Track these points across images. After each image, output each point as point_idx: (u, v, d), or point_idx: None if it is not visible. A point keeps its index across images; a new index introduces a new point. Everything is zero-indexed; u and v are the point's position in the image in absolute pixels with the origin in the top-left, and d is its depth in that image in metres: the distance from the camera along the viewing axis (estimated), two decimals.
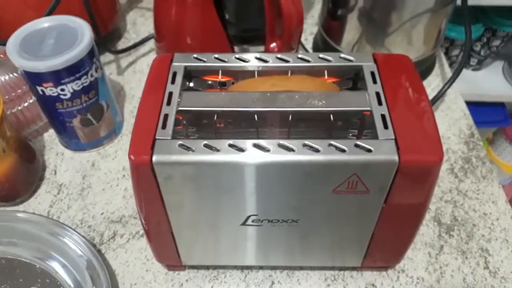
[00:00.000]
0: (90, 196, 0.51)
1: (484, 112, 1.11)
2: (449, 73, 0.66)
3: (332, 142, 0.31)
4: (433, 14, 0.57)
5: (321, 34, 0.66)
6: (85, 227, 0.49)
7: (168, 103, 0.35)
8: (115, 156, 0.55)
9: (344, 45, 0.63)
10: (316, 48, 0.69)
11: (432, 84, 0.63)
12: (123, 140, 0.57)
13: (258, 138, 0.37)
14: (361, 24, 0.60)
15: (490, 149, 1.24)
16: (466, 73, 1.10)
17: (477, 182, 0.51)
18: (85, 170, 0.54)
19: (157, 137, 0.32)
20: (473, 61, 1.08)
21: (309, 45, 0.70)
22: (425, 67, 0.64)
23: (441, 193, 0.50)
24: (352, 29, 0.61)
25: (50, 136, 0.58)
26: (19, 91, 0.54)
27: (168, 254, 0.41)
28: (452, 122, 0.58)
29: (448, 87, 0.55)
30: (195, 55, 0.39)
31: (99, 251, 0.47)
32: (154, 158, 0.31)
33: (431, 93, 0.60)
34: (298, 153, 0.31)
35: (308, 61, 0.38)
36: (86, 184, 0.53)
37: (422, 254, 0.45)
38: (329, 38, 0.64)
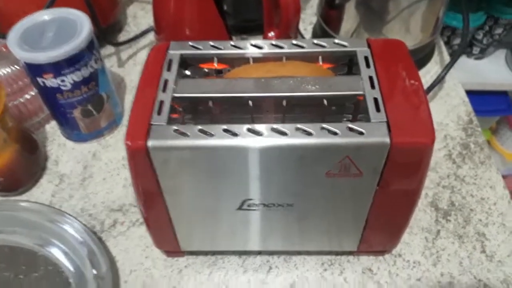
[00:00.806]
0: (91, 186, 0.52)
1: (487, 101, 1.11)
2: (448, 60, 0.65)
3: (325, 125, 0.32)
4: (430, 1, 0.57)
5: (320, 24, 0.66)
6: (86, 215, 0.50)
7: (164, 90, 0.35)
8: (116, 147, 0.56)
9: (342, 34, 0.63)
10: (315, 37, 0.69)
11: (431, 71, 0.63)
12: (123, 131, 0.58)
13: (253, 123, 0.37)
14: (359, 12, 0.60)
15: (494, 138, 1.24)
16: (468, 62, 1.10)
17: (475, 167, 0.51)
18: (86, 161, 0.55)
19: (152, 123, 0.33)
20: (476, 50, 1.08)
21: (308, 35, 0.70)
22: (423, 55, 0.64)
23: (439, 179, 0.50)
24: (350, 18, 0.61)
25: (52, 127, 0.59)
26: (21, 83, 0.55)
27: (167, 240, 0.42)
28: (450, 108, 0.58)
29: (446, 72, 0.56)
30: (190, 43, 0.39)
31: (99, 238, 0.47)
32: (150, 143, 0.32)
33: (429, 80, 0.60)
34: (291, 136, 0.32)
35: (302, 47, 0.38)
36: (87, 174, 0.53)
37: (419, 239, 0.46)
38: (327, 27, 0.64)
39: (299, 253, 0.45)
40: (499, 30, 1.02)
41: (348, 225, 0.39)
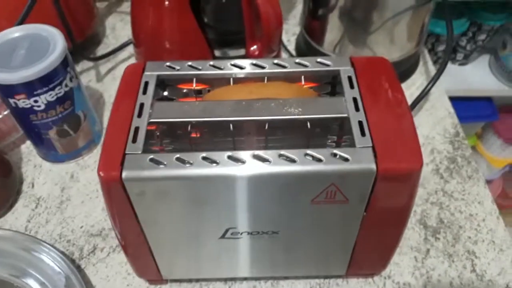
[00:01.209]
0: (69, 209, 0.50)
1: (472, 107, 1.11)
2: (433, 70, 0.65)
3: (309, 151, 0.30)
4: (415, 11, 0.56)
5: (303, 35, 0.65)
6: (64, 241, 0.47)
7: (139, 115, 0.34)
8: (95, 167, 0.54)
9: (326, 46, 0.62)
10: (299, 49, 0.68)
11: (416, 83, 0.62)
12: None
13: (234, 147, 0.36)
14: (343, 23, 0.59)
15: (480, 144, 1.24)
16: (452, 68, 1.10)
17: (463, 182, 0.50)
18: (64, 182, 0.53)
19: (127, 152, 0.31)
20: (459, 56, 1.08)
21: (291, 46, 0.69)
22: (409, 65, 0.64)
23: (427, 195, 0.49)
24: (333, 29, 0.60)
25: (28, 147, 0.56)
26: None
27: (148, 269, 0.40)
28: (436, 121, 0.57)
29: (432, 86, 0.55)
30: (167, 63, 0.38)
31: (78, 266, 0.45)
32: (124, 174, 0.30)
33: (415, 92, 0.59)
34: (274, 164, 0.30)
35: (284, 66, 0.37)
36: (65, 197, 0.51)
37: (408, 258, 0.44)
38: (311, 39, 0.63)
39: (286, 277, 0.43)
40: (482, 36, 1.02)
41: (336, 250, 0.38)
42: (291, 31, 0.72)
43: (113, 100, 0.61)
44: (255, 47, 0.57)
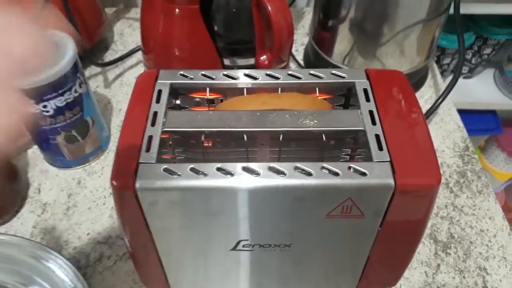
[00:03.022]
0: (76, 216, 0.50)
1: (476, 120, 1.11)
2: (441, 83, 0.65)
3: (325, 165, 0.30)
4: (425, 25, 0.56)
5: (312, 46, 0.65)
6: (70, 248, 0.47)
7: (153, 124, 0.33)
8: (102, 173, 0.53)
9: (335, 57, 0.62)
10: (307, 59, 0.68)
11: (425, 96, 0.62)
12: (110, 156, 0.55)
13: (247, 158, 0.35)
14: (353, 35, 0.59)
15: (483, 157, 1.24)
16: (457, 81, 1.10)
17: (473, 197, 0.50)
18: (70, 188, 0.52)
19: (140, 161, 0.31)
20: (464, 69, 1.08)
21: (300, 56, 0.69)
22: (418, 78, 0.63)
23: (437, 209, 0.49)
24: (343, 40, 0.60)
25: (34, 152, 0.56)
26: None
27: (156, 279, 0.40)
28: (446, 134, 0.57)
29: (442, 100, 0.54)
30: (181, 72, 0.37)
31: (84, 274, 0.45)
32: (138, 184, 0.29)
33: (424, 105, 0.59)
34: (290, 176, 0.30)
35: (299, 77, 0.37)
36: (72, 203, 0.51)
37: (418, 273, 0.44)
38: (320, 49, 0.63)
39: None
40: (488, 50, 1.02)
41: (348, 265, 0.37)
42: (299, 41, 0.72)
43: (121, 107, 0.62)
44: (264, 57, 0.56)
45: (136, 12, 0.78)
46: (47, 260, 0.43)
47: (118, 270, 0.45)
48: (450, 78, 0.57)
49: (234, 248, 0.35)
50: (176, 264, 0.38)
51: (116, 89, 0.64)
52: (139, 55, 0.69)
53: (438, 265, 0.44)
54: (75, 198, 0.51)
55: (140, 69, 0.67)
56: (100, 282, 0.44)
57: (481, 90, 1.09)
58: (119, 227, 0.35)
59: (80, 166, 0.54)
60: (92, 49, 0.66)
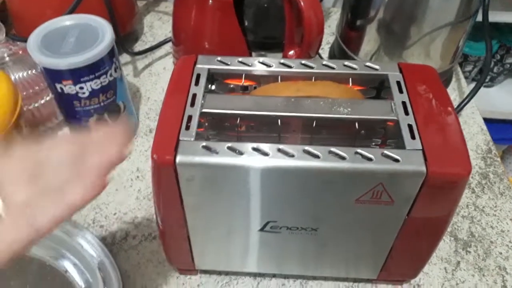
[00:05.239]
0: (103, 196, 0.51)
1: (494, 129, 1.10)
2: (465, 87, 0.65)
3: (359, 150, 0.31)
4: (452, 28, 0.57)
5: (339, 44, 0.66)
6: (97, 226, 0.48)
7: (192, 105, 0.35)
8: (129, 157, 0.55)
9: (361, 55, 0.62)
10: (333, 57, 0.69)
11: None
12: (138, 142, 0.57)
13: (279, 143, 0.36)
14: (380, 35, 0.60)
15: None
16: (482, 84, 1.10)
17: (495, 198, 0.50)
18: None
19: (180, 138, 0.32)
20: (486, 78, 1.08)
21: (325, 55, 0.70)
22: (442, 81, 0.64)
23: (458, 208, 0.49)
24: (370, 40, 0.61)
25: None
26: (37, 88, 0.54)
27: (182, 257, 0.41)
28: (469, 137, 0.57)
29: (467, 102, 0.55)
30: (219, 58, 0.39)
31: (110, 251, 0.46)
32: (178, 159, 0.31)
33: None
34: (324, 160, 0.31)
35: (332, 68, 0.38)
36: None
37: (438, 269, 0.44)
38: (346, 47, 0.64)
39: (315, 278, 0.44)
40: (510, 60, 1.02)
41: (371, 253, 0.38)
42: (324, 40, 0.72)
43: (149, 95, 0.63)
44: (292, 52, 0.58)
45: (165, 6, 0.79)
46: (77, 236, 0.45)
47: (143, 249, 0.46)
48: (472, 85, 0.58)
49: (262, 229, 0.36)
50: (203, 242, 0.39)
51: (145, 78, 0.66)
52: (167, 47, 0.70)
53: (458, 262, 0.45)
54: None
55: (169, 60, 0.69)
56: (125, 260, 0.46)
57: (501, 99, 1.09)
58: (154, 202, 0.36)
59: None
60: (124, 39, 0.68)
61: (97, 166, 0.26)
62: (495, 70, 1.05)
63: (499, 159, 0.54)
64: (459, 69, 0.68)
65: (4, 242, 0.24)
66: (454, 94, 0.64)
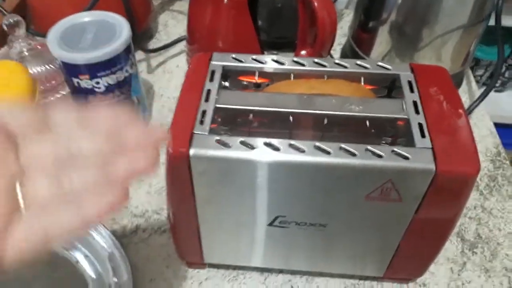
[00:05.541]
0: None
1: (503, 134, 1.10)
2: (476, 90, 0.66)
3: (369, 147, 0.31)
4: (465, 31, 0.57)
5: (351, 45, 0.66)
6: (108, 219, 0.49)
7: (206, 100, 0.35)
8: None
9: (373, 57, 0.63)
10: (344, 58, 0.69)
11: None
12: None
13: (291, 139, 0.37)
14: (392, 37, 0.60)
15: None
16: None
17: (503, 201, 0.50)
18: None
19: (195, 132, 0.33)
20: (497, 83, 1.08)
21: (336, 55, 0.71)
22: (453, 83, 0.64)
23: (465, 209, 0.50)
24: (383, 42, 0.61)
25: None
26: (53, 82, 0.55)
27: (191, 251, 0.42)
28: (478, 139, 0.57)
29: (478, 104, 0.55)
30: (233, 55, 0.40)
31: (120, 243, 0.47)
32: (192, 152, 0.32)
33: None
34: (334, 156, 0.31)
35: (345, 66, 0.38)
36: None
37: (444, 269, 0.45)
38: (358, 49, 0.65)
39: (321, 274, 0.44)
40: None
41: (378, 250, 0.39)
42: (336, 41, 0.73)
43: (162, 92, 0.64)
44: (304, 51, 0.58)
45: (180, 5, 0.80)
46: (89, 227, 0.46)
47: (153, 243, 0.47)
48: (483, 89, 0.58)
49: (271, 224, 0.37)
50: (212, 235, 0.39)
51: (159, 75, 0.67)
52: (181, 45, 0.71)
53: (464, 263, 0.45)
54: None
55: (182, 58, 0.69)
56: (135, 253, 0.47)
57: (511, 104, 1.08)
58: (166, 195, 0.37)
59: None
60: (139, 37, 0.69)
61: (123, 173, 0.21)
62: (506, 75, 1.05)
63: (508, 162, 0.55)
64: (470, 72, 0.69)
65: (15, 248, 0.20)
66: (464, 97, 0.64)
